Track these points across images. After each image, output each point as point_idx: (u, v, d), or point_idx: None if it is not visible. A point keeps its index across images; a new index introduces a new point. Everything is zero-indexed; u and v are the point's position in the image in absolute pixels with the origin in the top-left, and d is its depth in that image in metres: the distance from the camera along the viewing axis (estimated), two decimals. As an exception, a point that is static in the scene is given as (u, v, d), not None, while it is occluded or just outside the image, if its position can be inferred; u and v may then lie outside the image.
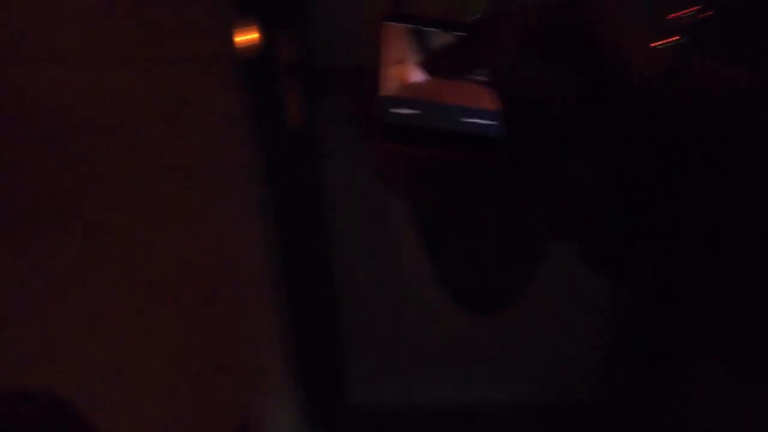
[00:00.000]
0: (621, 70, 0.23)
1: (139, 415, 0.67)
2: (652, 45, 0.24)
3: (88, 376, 0.58)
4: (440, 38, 0.30)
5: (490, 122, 0.28)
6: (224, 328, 0.92)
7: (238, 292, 0.94)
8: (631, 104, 0.23)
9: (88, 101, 0.60)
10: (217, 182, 0.84)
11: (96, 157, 0.62)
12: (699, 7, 0.77)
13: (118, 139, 0.65)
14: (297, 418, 1.13)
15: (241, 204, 0.92)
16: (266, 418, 1.02)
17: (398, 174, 0.28)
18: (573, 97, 0.25)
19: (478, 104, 0.28)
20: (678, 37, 0.77)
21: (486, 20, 0.26)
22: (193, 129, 0.76)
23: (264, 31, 0.78)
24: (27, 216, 0.55)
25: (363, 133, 0.28)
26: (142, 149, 0.69)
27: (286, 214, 0.96)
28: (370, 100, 0.28)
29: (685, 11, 0.77)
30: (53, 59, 0.56)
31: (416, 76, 0.29)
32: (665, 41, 0.76)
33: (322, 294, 1.07)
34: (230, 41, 0.78)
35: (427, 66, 0.28)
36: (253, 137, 0.89)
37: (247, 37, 0.77)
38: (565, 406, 1.14)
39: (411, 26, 0.30)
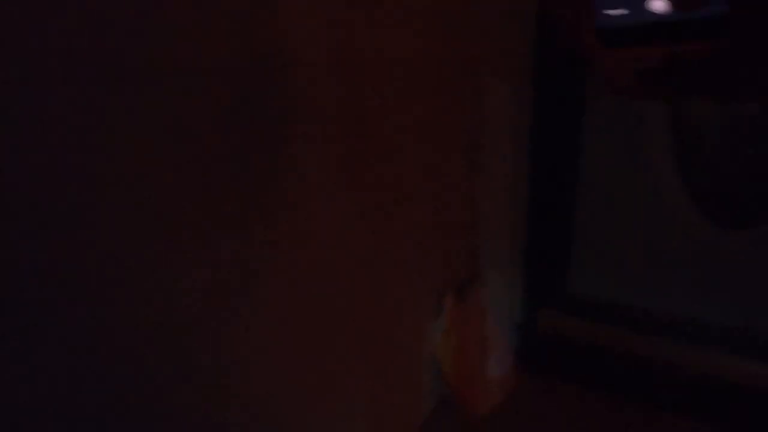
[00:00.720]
0: None
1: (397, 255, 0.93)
2: None
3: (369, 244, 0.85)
4: None
5: (708, 5, 0.25)
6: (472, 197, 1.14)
7: (493, 165, 1.13)
8: None
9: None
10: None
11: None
12: None
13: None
14: (516, 291, 1.26)
15: (508, 102, 1.09)
16: (489, 280, 1.19)
17: (627, 76, 0.27)
18: None
19: None
20: None
21: None
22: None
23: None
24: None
25: (582, 46, 0.27)
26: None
27: (548, 115, 1.10)
28: (579, 8, 0.26)
29: None
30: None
31: None
32: None
33: (564, 185, 1.17)
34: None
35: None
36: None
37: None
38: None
39: None
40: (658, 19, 0.25)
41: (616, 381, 1.15)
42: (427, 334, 1.00)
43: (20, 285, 0.37)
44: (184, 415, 0.55)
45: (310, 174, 0.69)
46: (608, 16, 0.26)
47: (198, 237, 0.53)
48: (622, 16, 0.26)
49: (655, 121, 1.04)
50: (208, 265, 0.55)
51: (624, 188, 1.14)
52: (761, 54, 0.24)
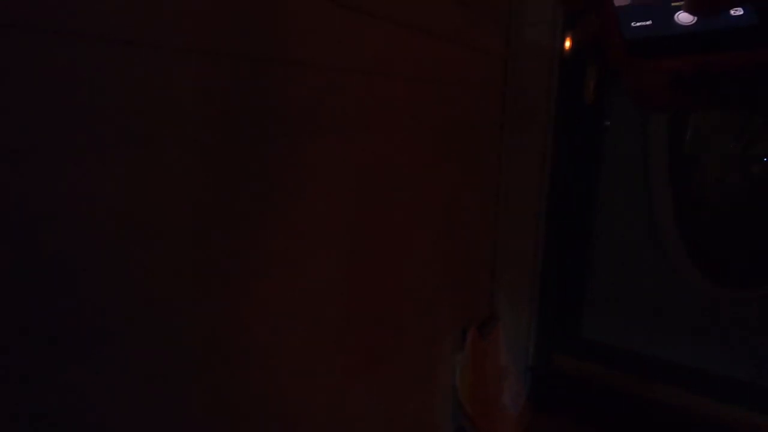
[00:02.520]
0: None
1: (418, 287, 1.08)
2: None
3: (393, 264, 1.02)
4: None
5: (740, 12, 0.23)
6: (487, 242, 1.25)
7: (515, 210, 1.24)
8: None
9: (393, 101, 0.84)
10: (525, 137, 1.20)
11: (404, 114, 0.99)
12: None
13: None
14: (531, 335, 1.34)
15: (529, 160, 1.22)
16: (507, 322, 1.30)
17: (659, 87, 0.26)
18: None
19: None
20: None
21: None
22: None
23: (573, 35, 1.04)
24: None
25: (612, 59, 0.27)
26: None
27: (565, 171, 1.21)
28: (606, 20, 0.26)
29: None
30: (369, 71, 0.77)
31: None
32: None
33: (579, 237, 1.28)
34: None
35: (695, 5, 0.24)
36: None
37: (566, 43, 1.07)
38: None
39: None
40: (686, 29, 0.25)
41: (623, 423, 1.22)
42: (448, 366, 1.10)
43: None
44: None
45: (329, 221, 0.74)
46: (635, 28, 0.26)
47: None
48: (648, 27, 0.26)
49: (661, 182, 1.16)
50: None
51: (635, 243, 1.24)
52: None
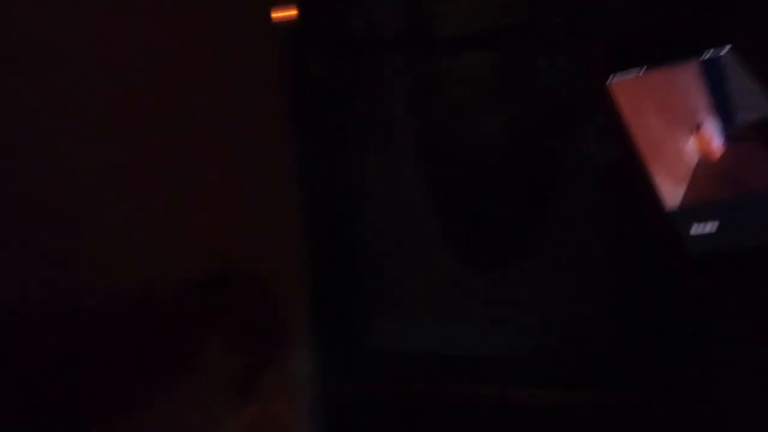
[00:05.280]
0: None
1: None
2: None
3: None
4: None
5: None
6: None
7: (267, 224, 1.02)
8: None
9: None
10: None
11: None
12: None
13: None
14: (312, 359, 1.17)
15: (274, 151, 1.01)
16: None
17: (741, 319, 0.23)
18: None
19: None
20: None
21: None
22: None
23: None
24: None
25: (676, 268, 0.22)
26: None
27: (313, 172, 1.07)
28: (654, 221, 0.21)
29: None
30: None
31: (711, 143, 0.19)
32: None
33: (343, 243, 1.19)
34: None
35: None
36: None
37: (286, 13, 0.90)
38: (568, 357, 1.20)
39: (645, 68, 0.21)
40: (760, 240, 0.19)
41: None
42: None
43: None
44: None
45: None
46: (697, 237, 0.20)
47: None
48: (714, 235, 0.20)
49: (412, 169, 1.14)
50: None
51: (400, 244, 1.19)
52: None
